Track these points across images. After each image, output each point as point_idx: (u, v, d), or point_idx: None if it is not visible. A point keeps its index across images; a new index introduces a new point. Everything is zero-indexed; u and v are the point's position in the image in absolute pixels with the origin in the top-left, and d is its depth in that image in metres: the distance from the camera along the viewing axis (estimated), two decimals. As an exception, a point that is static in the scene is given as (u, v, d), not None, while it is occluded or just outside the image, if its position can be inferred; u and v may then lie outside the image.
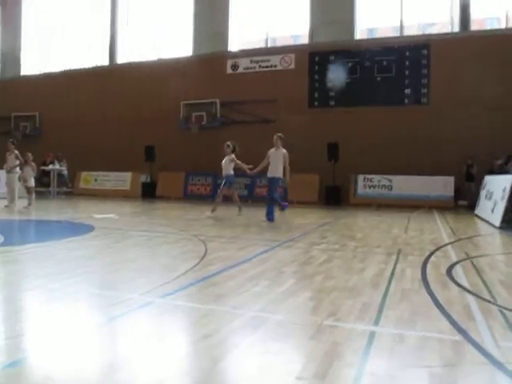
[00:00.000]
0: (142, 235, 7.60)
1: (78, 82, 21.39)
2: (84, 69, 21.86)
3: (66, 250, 6.04)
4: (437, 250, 6.31)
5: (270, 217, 9.62)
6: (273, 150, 9.86)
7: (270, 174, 9.76)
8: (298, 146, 16.92)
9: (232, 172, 10.76)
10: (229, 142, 10.83)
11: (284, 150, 9.71)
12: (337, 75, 16.88)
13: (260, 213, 12.57)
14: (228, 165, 10.64)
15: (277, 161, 9.65)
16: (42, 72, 23.06)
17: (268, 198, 9.84)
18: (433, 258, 5.61)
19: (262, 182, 16.93)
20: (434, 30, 16.92)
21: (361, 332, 2.92)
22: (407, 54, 16.16)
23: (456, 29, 16.12)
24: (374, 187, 15.78)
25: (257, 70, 18.21)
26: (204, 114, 18.55)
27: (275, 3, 18.53)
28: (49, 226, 9.25)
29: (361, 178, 15.90)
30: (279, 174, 9.66)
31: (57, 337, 2.82)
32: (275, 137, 9.87)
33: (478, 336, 2.83)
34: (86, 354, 2.60)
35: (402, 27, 16.82)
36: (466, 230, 8.92)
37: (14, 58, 23.83)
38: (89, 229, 8.08)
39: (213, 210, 10.47)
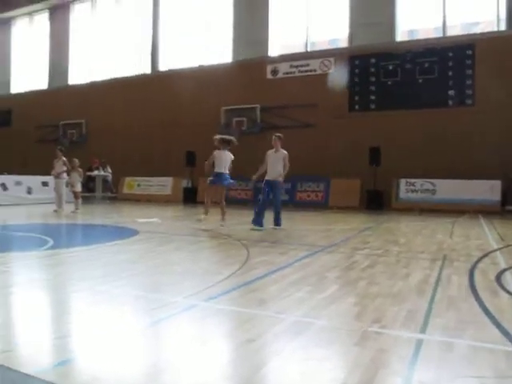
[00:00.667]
0: (185, 239, 7.70)
1: (122, 89, 21.95)
2: (127, 77, 22.42)
3: (112, 253, 6.19)
4: (484, 256, 6.10)
5: (278, 222, 9.08)
6: (271, 151, 9.29)
7: (269, 177, 9.12)
8: (338, 150, 16.83)
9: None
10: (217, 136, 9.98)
11: (284, 152, 9.16)
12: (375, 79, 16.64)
13: (301, 218, 12.53)
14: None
15: (277, 163, 9.07)
16: (87, 81, 23.81)
17: (276, 203, 9.10)
18: (480, 265, 5.42)
19: (303, 186, 16.88)
20: (478, 30, 16.43)
21: (407, 339, 2.86)
22: (450, 54, 15.74)
23: (502, 27, 15.59)
24: (417, 191, 15.43)
25: (296, 74, 18.17)
26: (244, 119, 18.66)
27: (314, 7, 18.47)
28: (95, 230, 9.51)
29: (403, 182, 15.58)
30: (281, 178, 9.09)
31: (103, 338, 2.89)
32: (274, 137, 9.29)
33: (531, 346, 2.72)
34: (131, 355, 2.65)
35: (444, 27, 16.41)
36: (515, 236, 8.59)
37: (61, 69, 24.71)
38: (133, 233, 8.26)
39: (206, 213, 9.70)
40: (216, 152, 9.61)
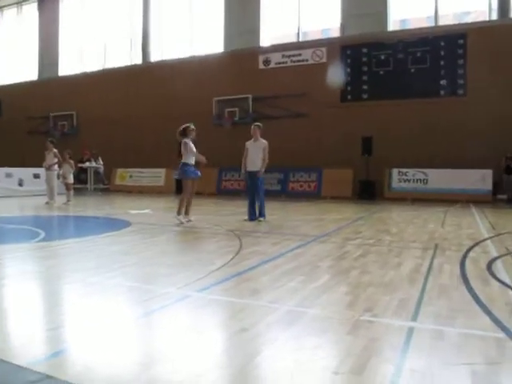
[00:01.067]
0: (178, 230, 7.69)
1: (113, 80, 21.77)
2: (118, 67, 22.22)
3: (104, 244, 6.18)
4: (475, 245, 6.15)
5: (262, 213, 8.87)
6: (251, 141, 9.05)
7: (250, 168, 8.93)
8: (331, 140, 16.83)
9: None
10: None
11: (264, 141, 8.89)
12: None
13: (294, 208, 12.56)
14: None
15: (256, 154, 8.85)
16: (78, 72, 23.59)
17: (258, 195, 8.84)
18: (472, 254, 5.47)
19: (295, 176, 16.90)
20: (470, 19, 16.41)
21: (398, 328, 2.88)
22: (442, 44, 15.72)
23: (494, 17, 15.60)
24: (409, 181, 15.49)
25: (288, 64, 18.10)
26: (237, 109, 18.60)
27: (306, -3, 18.37)
28: (87, 222, 9.47)
29: (395, 171, 15.63)
30: (262, 168, 8.85)
31: (96, 329, 2.89)
32: (253, 126, 9.04)
33: (521, 333, 2.75)
34: (124, 346, 2.66)
35: (436, 17, 16.38)
36: (505, 225, 8.65)
37: (51, 59, 24.44)
38: (125, 224, 8.25)
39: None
40: (189, 140, 8.90)
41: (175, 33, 21.35)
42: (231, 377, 2.25)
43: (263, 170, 8.92)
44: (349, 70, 17.07)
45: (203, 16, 20.48)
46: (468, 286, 3.87)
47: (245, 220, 8.93)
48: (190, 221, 8.54)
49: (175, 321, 3.09)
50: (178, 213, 8.52)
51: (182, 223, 8.28)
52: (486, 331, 2.81)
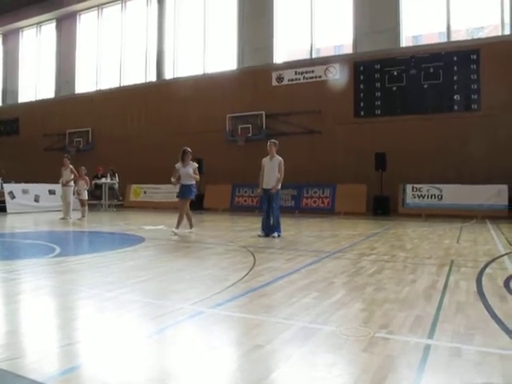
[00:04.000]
0: (192, 246, 7.72)
1: (128, 98, 22.09)
2: (133, 85, 22.57)
3: (119, 260, 6.21)
4: (492, 261, 6.06)
5: (278, 230, 8.96)
6: (266, 158, 9.10)
7: (266, 186, 8.95)
8: (344, 156, 16.82)
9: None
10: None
11: (279, 158, 8.94)
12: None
13: (308, 224, 12.52)
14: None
15: (273, 170, 8.88)
16: (94, 90, 24.01)
17: (273, 211, 8.92)
18: (488, 270, 5.39)
19: (309, 192, 16.87)
20: (483, 34, 16.41)
21: (415, 345, 2.85)
22: (455, 59, 15.72)
23: (507, 31, 15.57)
24: (423, 197, 15.37)
25: (301, 81, 18.21)
26: (250, 126, 18.71)
27: (318, 14, 18.53)
28: (101, 238, 9.54)
29: (409, 187, 15.52)
30: (277, 185, 8.89)
31: (110, 345, 2.90)
32: (269, 143, 9.05)
33: (541, 352, 2.70)
34: (138, 362, 2.66)
35: (449, 32, 16.40)
36: (523, 241, 8.52)
37: (68, 78, 24.92)
38: (140, 240, 8.29)
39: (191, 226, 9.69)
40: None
41: (189, 50, 21.65)
42: (246, 394, 2.23)
43: (279, 186, 8.92)
44: (362, 86, 17.11)
45: (217, 34, 20.77)
46: (485, 303, 3.81)
47: (259, 236, 8.93)
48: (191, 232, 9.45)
49: (189, 337, 3.08)
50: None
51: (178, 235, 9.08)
52: (505, 350, 2.76)
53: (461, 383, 2.31)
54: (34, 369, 2.47)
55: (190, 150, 9.87)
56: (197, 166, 9.86)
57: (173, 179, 9.66)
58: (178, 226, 9.39)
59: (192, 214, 9.86)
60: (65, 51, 25.16)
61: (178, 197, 9.76)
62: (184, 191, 9.53)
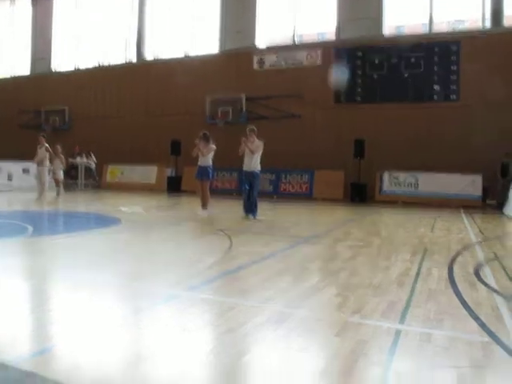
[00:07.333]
0: (168, 229, 7.67)
1: (106, 77, 21.65)
2: (112, 65, 22.11)
3: (94, 241, 6.15)
4: (464, 249, 6.19)
5: (255, 214, 9.19)
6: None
7: (247, 168, 9.19)
8: (323, 142, 16.87)
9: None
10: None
11: (259, 142, 9.15)
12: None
13: (285, 209, 12.57)
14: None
15: (253, 153, 9.08)
16: (71, 68, 23.45)
17: (253, 194, 9.14)
18: (460, 258, 5.51)
19: (287, 177, 16.91)
20: (464, 27, 16.55)
21: (386, 330, 2.90)
22: (436, 50, 15.85)
23: (488, 25, 15.74)
24: (400, 185, 15.56)
25: (283, 65, 18.13)
26: (230, 109, 18.57)
27: (302, 0, 18.39)
28: (77, 218, 9.42)
29: (386, 175, 15.68)
30: (258, 167, 9.21)
31: (84, 327, 2.88)
32: (248, 132, 9.21)
33: (507, 338, 2.78)
34: (112, 344, 2.65)
35: (431, 24, 16.49)
36: (494, 230, 8.74)
37: (44, 55, 24.27)
38: (116, 221, 8.20)
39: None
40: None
41: (170, 32, 21.27)
42: (219, 375, 2.25)
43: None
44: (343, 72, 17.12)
45: (199, 15, 20.44)
46: (456, 290, 3.90)
47: (242, 218, 9.12)
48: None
49: (164, 319, 3.08)
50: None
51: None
52: (473, 335, 2.84)
53: (430, 367, 2.36)
54: (5, 350, 2.44)
55: (208, 133, 9.99)
56: (214, 148, 9.87)
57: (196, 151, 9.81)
58: (205, 207, 9.56)
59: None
60: (41, 27, 24.38)
61: (196, 177, 9.88)
62: (201, 172, 9.70)
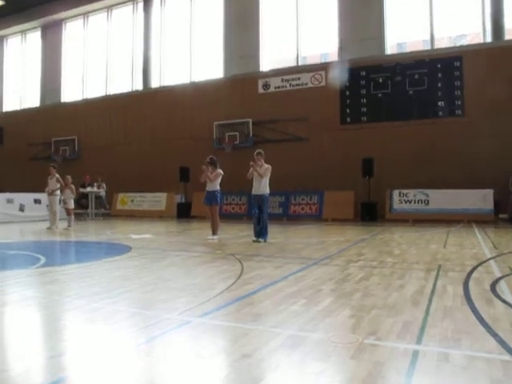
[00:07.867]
0: (179, 255, 7.66)
1: (114, 106, 21.99)
2: (119, 94, 22.49)
3: (106, 270, 6.15)
4: (479, 265, 6.11)
5: (265, 236, 9.23)
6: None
7: (256, 192, 9.23)
8: (331, 162, 16.90)
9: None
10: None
11: (267, 165, 9.25)
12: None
13: (295, 231, 12.52)
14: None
15: (261, 177, 9.16)
16: (80, 98, 23.87)
17: (263, 217, 9.19)
18: (475, 274, 5.43)
19: (297, 199, 16.90)
20: (466, 42, 16.68)
21: (403, 351, 2.85)
22: (439, 66, 15.95)
23: (488, 39, 15.84)
24: (410, 202, 15.48)
25: (288, 88, 18.30)
26: (237, 133, 18.72)
27: (304, 23, 18.68)
28: (88, 247, 9.45)
29: (396, 193, 15.63)
30: (267, 191, 9.25)
31: (97, 356, 2.86)
32: (256, 156, 9.31)
33: (527, 355, 2.72)
34: (125, 372, 2.62)
35: (432, 40, 16.64)
36: (508, 244, 8.62)
37: (54, 86, 24.74)
38: (127, 249, 8.22)
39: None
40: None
41: (176, 59, 21.65)
42: (234, 404, 2.22)
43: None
44: (348, 92, 17.24)
45: (203, 42, 20.81)
46: (472, 307, 3.83)
47: (253, 241, 9.18)
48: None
49: (177, 347, 3.05)
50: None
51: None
52: (492, 353, 2.78)
53: (449, 388, 2.31)
54: (21, 381, 2.43)
55: (215, 158, 10.11)
56: (222, 173, 9.92)
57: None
58: (215, 232, 9.70)
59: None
60: (50, 59, 24.98)
61: (204, 203, 9.95)
62: (209, 197, 9.77)
